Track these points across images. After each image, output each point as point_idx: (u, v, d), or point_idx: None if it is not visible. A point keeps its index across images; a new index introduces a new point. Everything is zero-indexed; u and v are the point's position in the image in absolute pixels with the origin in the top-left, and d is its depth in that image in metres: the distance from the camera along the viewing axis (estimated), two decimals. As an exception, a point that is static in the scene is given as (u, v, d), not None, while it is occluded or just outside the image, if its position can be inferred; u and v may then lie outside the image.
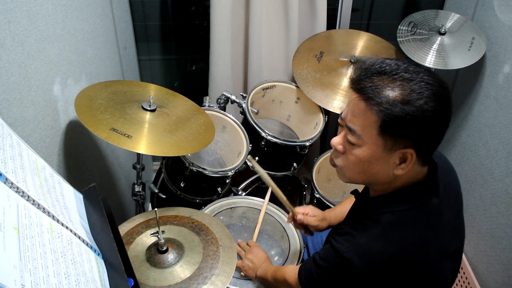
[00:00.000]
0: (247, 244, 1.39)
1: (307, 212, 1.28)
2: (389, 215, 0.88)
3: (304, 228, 1.31)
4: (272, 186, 1.27)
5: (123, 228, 1.19)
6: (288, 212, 1.33)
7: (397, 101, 0.78)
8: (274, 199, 1.56)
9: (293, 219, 1.29)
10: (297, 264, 1.31)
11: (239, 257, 1.35)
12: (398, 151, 0.82)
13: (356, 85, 0.84)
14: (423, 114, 0.77)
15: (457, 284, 1.91)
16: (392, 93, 0.79)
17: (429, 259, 0.86)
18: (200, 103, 1.66)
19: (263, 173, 1.29)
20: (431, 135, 0.82)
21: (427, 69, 0.83)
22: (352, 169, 0.90)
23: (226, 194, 1.67)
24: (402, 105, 0.77)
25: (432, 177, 0.90)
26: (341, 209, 1.30)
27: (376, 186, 0.94)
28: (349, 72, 1.83)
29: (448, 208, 0.94)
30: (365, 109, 0.81)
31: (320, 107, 1.83)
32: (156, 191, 1.65)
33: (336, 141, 0.91)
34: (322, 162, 1.83)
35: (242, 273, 1.31)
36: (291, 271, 1.08)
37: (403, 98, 0.78)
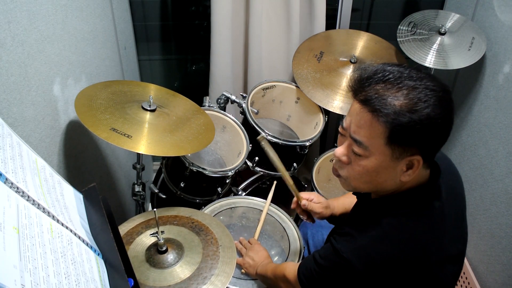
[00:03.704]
0: (249, 241, 1.39)
1: (311, 198, 1.27)
2: (391, 218, 0.88)
3: (307, 214, 1.30)
4: (280, 168, 1.25)
5: (123, 228, 1.19)
6: (292, 198, 1.31)
7: (404, 111, 0.77)
8: (275, 200, 1.56)
9: (297, 205, 1.28)
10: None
11: (241, 254, 1.35)
12: (405, 159, 0.82)
13: (359, 95, 0.82)
14: (431, 121, 0.77)
15: (457, 285, 1.91)
16: (398, 103, 0.78)
17: (429, 262, 0.86)
18: (200, 103, 1.66)
19: (272, 155, 1.25)
20: (437, 140, 0.82)
21: (428, 74, 0.82)
22: (358, 179, 0.89)
23: (226, 194, 1.67)
24: (410, 114, 0.77)
25: (435, 180, 0.90)
26: (345, 200, 1.30)
27: (381, 192, 0.93)
28: (349, 72, 1.83)
29: (451, 211, 0.93)
30: (371, 120, 0.80)
31: (320, 107, 1.83)
32: (156, 191, 1.65)
33: (340, 151, 0.89)
34: (322, 162, 1.82)
35: (242, 270, 1.31)
36: (291, 268, 1.08)
37: (410, 107, 0.77)
